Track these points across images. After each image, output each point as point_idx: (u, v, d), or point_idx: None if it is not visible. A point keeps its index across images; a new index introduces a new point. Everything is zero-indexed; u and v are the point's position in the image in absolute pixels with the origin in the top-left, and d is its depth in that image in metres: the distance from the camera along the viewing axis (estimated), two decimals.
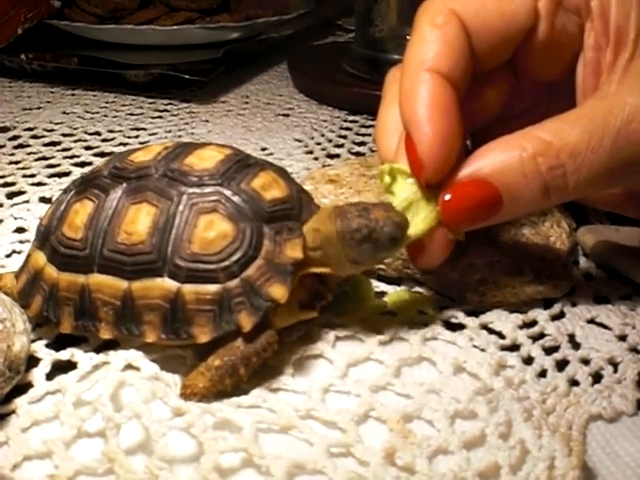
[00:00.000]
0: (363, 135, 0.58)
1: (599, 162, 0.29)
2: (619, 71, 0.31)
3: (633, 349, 0.32)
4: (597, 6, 0.31)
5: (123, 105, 0.62)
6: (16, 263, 0.36)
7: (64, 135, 0.55)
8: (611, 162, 0.29)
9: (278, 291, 0.28)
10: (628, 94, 0.29)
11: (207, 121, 0.59)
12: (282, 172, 0.32)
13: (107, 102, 0.63)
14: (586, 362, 0.31)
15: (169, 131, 0.56)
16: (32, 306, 0.31)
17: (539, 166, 0.29)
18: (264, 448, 0.26)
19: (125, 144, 0.53)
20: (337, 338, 0.32)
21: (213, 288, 0.28)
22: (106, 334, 0.29)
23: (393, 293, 0.35)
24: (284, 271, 0.29)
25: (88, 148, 0.52)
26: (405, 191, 0.31)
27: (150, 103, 0.63)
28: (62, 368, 0.29)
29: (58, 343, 0.31)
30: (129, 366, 0.29)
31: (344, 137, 0.57)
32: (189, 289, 0.28)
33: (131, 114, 0.60)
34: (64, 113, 0.59)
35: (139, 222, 0.29)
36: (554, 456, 0.25)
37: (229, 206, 0.29)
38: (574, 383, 0.30)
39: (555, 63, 0.33)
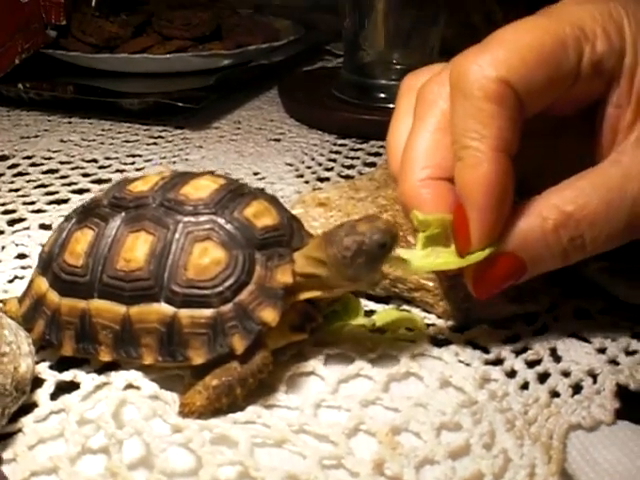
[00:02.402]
0: (352, 158, 0.59)
1: (616, 229, 0.31)
2: (636, 133, 0.32)
3: (612, 361, 0.34)
4: (627, 67, 0.32)
5: (119, 132, 0.64)
6: (18, 288, 0.38)
7: (62, 163, 0.56)
8: (626, 228, 0.31)
9: (269, 315, 0.30)
10: None
11: (201, 147, 0.61)
12: (274, 200, 0.34)
13: (103, 129, 0.64)
14: (566, 374, 0.33)
15: (164, 157, 0.58)
16: (35, 330, 0.32)
17: (561, 238, 0.31)
18: (259, 461, 0.27)
19: (121, 171, 0.55)
20: (328, 356, 0.33)
21: (207, 312, 0.30)
22: (106, 357, 0.31)
23: (382, 312, 0.37)
24: (275, 295, 0.30)
25: (85, 175, 0.54)
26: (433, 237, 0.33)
27: (145, 130, 0.64)
28: (65, 388, 0.31)
29: (61, 364, 0.32)
30: (130, 385, 0.30)
31: (334, 160, 0.59)
32: (185, 313, 0.30)
33: (127, 141, 0.62)
34: (61, 141, 0.61)
35: (137, 250, 0.31)
36: (535, 464, 0.27)
37: (222, 234, 0.31)
38: (555, 394, 0.31)
39: (574, 106, 0.34)
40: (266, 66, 0.78)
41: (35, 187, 0.52)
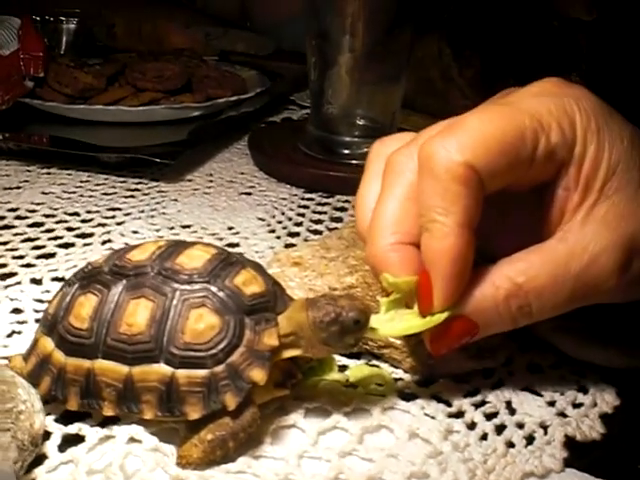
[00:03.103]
0: (320, 213, 0.63)
1: (560, 300, 0.36)
2: (582, 214, 0.36)
3: (561, 413, 0.38)
4: (577, 156, 0.36)
5: (97, 185, 0.66)
6: (16, 342, 0.41)
7: (46, 216, 0.59)
8: (569, 299, 0.36)
9: (258, 374, 0.33)
10: (588, 242, 0.36)
11: (176, 200, 0.64)
12: (259, 268, 0.37)
13: (82, 181, 0.67)
14: (521, 426, 0.37)
15: (142, 211, 0.61)
16: (42, 386, 0.35)
17: (510, 306, 0.35)
18: None
19: (103, 224, 0.58)
20: (307, 409, 0.37)
21: (202, 372, 0.33)
22: (109, 412, 0.34)
23: (354, 367, 0.41)
24: (262, 357, 0.34)
25: (70, 229, 0.57)
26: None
27: (121, 182, 0.68)
28: (71, 441, 0.34)
29: (65, 418, 0.35)
30: (132, 439, 0.33)
31: (302, 215, 0.63)
32: (182, 373, 0.33)
33: (105, 193, 0.65)
34: (43, 193, 0.64)
35: (138, 315, 0.34)
36: None
37: (215, 301, 0.34)
38: (511, 445, 0.35)
39: (527, 186, 0.38)
40: (235, 118, 0.82)
41: (22, 241, 0.54)
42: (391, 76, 0.73)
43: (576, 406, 0.39)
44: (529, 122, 0.35)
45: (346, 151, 0.73)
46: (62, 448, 0.33)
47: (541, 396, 0.40)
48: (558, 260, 0.36)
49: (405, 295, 0.37)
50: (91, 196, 0.64)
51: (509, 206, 0.40)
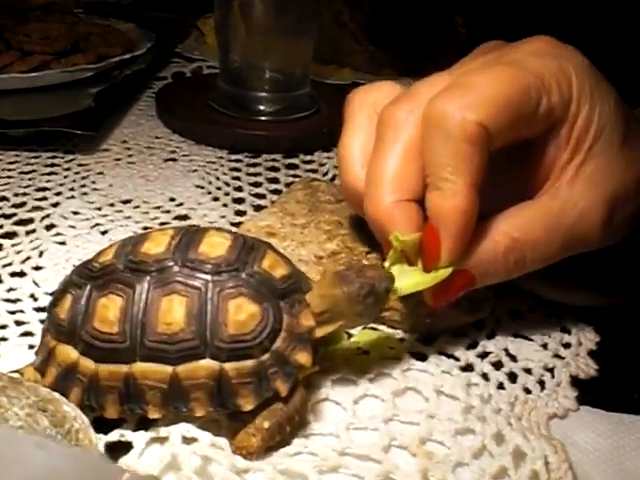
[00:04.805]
0: (254, 175, 0.63)
1: (551, 252, 0.39)
2: (570, 172, 0.39)
3: (556, 355, 0.41)
4: (571, 116, 0.38)
5: (10, 163, 0.62)
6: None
7: None
8: (559, 251, 0.39)
9: (303, 357, 0.34)
10: (577, 199, 0.38)
11: (102, 173, 0.61)
12: (272, 247, 0.37)
13: None
14: (528, 371, 0.40)
15: (72, 189, 0.58)
16: (71, 397, 0.33)
17: (509, 260, 0.38)
18: None
19: (38, 208, 0.54)
20: (333, 381, 0.38)
21: (250, 363, 0.33)
22: (155, 414, 0.33)
23: (360, 333, 0.41)
24: (304, 339, 0.34)
25: (5, 217, 0.53)
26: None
27: (35, 158, 0.63)
28: (115, 448, 0.33)
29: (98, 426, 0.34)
30: (185, 438, 0.33)
31: (238, 179, 0.62)
32: (231, 366, 0.33)
33: (23, 172, 0.60)
34: None
35: (175, 313, 0.33)
36: (546, 454, 0.33)
37: (250, 289, 0.34)
38: (527, 391, 0.38)
39: (517, 141, 0.39)
40: (131, 77, 0.78)
41: None
42: (297, 26, 0.72)
43: (565, 346, 0.42)
44: (533, 82, 0.37)
45: (261, 107, 0.72)
46: (112, 457, 0.32)
47: (532, 340, 0.43)
48: (551, 216, 0.39)
49: (408, 252, 0.38)
50: (9, 177, 0.59)
51: (496, 161, 0.42)
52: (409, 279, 0.38)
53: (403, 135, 0.40)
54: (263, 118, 0.71)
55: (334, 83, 0.82)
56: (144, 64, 0.82)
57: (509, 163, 0.42)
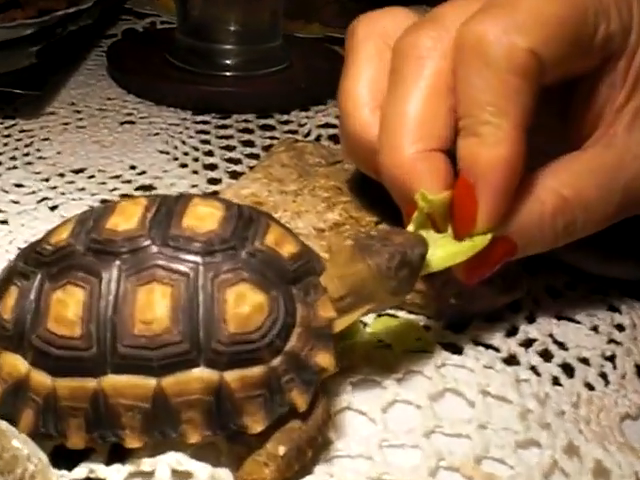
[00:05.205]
0: (226, 138, 0.55)
1: (608, 212, 0.31)
2: (628, 116, 0.31)
3: (611, 340, 0.34)
4: (630, 46, 0.31)
5: None
6: None
7: None
8: (615, 213, 0.32)
9: (325, 359, 0.26)
10: (636, 146, 0.31)
11: (49, 139, 0.52)
12: (274, 218, 0.29)
13: None
14: (585, 361, 0.33)
15: (14, 158, 0.49)
16: (22, 423, 0.25)
17: (557, 224, 0.31)
18: None
19: None
20: (353, 385, 0.30)
21: (259, 369, 0.25)
22: (134, 442, 0.25)
23: (376, 321, 0.34)
24: (324, 335, 0.26)
25: None
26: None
27: None
28: None
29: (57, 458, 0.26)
30: (176, 472, 0.25)
31: (207, 142, 0.54)
32: (233, 376, 0.25)
33: None
34: None
35: (156, 307, 0.25)
36: (636, 470, 0.26)
37: (253, 272, 0.26)
38: (590, 387, 0.31)
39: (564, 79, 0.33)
40: (77, 33, 0.69)
41: None
42: None
43: (618, 328, 0.35)
44: (591, 3, 0.30)
45: (226, 61, 0.63)
46: None
47: (578, 322, 0.36)
48: (607, 169, 0.32)
49: (435, 215, 0.31)
50: None
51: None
52: (440, 250, 0.30)
53: (428, 68, 0.32)
54: (230, 73, 0.63)
55: (306, 37, 0.74)
56: (91, 19, 0.72)
57: (550, 106, 0.35)
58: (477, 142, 0.29)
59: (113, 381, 0.25)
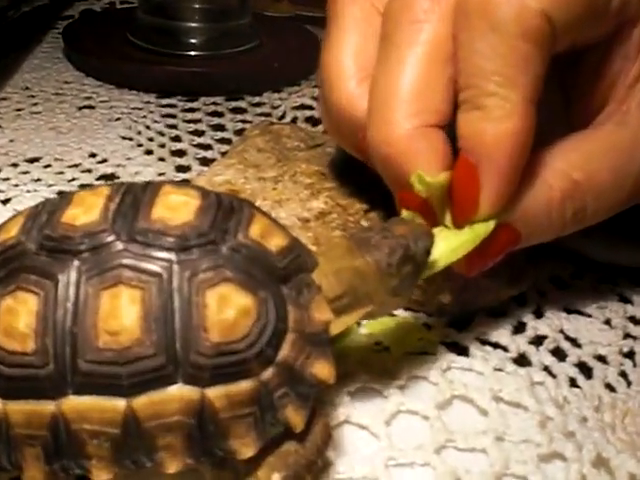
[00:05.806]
0: (194, 122, 0.51)
1: (620, 197, 0.28)
2: None
3: (627, 335, 0.31)
4: None
5: None
6: None
7: None
8: (631, 196, 0.28)
9: (323, 369, 0.22)
10: None
11: (0, 127, 0.48)
12: (258, 208, 0.26)
13: None
14: (603, 360, 0.30)
15: None
16: None
17: (566, 211, 0.27)
18: None
19: None
20: (351, 394, 0.27)
21: (247, 384, 0.21)
22: (102, 474, 0.21)
23: (372, 321, 0.31)
24: (321, 341, 0.23)
25: None
26: None
27: None
28: None
29: None
30: None
31: (174, 127, 0.50)
32: (216, 393, 0.21)
33: None
34: None
35: (123, 315, 0.21)
36: None
37: (237, 270, 0.22)
38: (611, 388, 0.28)
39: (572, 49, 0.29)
40: (31, 14, 0.65)
41: None
42: None
43: (633, 321, 0.32)
44: None
45: (192, 40, 0.59)
46: None
47: (589, 316, 0.33)
48: (620, 150, 0.28)
49: (433, 200, 0.27)
50: None
51: None
52: (441, 241, 0.27)
53: (424, 33, 0.28)
54: (196, 53, 0.59)
55: (275, 15, 0.70)
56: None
57: (552, 79, 0.31)
58: (481, 116, 0.26)
59: (75, 403, 0.21)
